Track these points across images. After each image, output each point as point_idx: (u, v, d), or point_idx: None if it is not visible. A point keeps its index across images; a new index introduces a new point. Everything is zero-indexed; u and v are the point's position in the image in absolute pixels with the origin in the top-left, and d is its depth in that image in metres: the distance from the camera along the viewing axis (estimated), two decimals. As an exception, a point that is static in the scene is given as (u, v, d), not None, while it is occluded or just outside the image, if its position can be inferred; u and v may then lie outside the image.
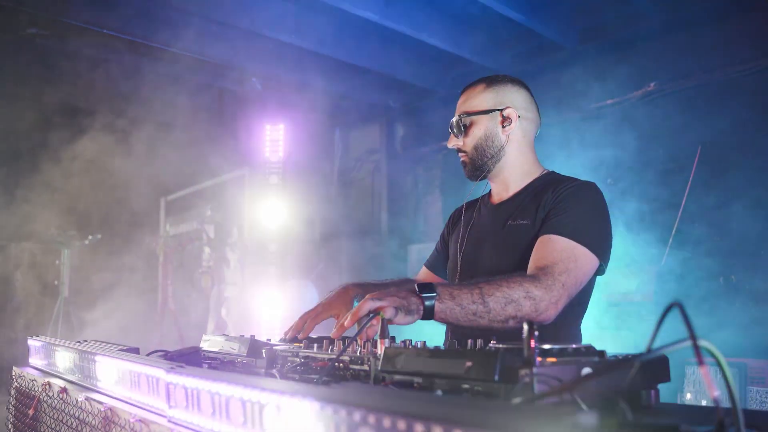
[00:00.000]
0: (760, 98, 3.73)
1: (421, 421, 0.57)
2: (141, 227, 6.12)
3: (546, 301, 1.45)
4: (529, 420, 0.54)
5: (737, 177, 3.71)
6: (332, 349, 1.26)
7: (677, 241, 3.78)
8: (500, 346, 0.98)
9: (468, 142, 1.79)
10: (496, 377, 0.84)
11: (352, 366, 1.15)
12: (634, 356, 0.89)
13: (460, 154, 1.83)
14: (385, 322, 1.25)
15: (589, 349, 0.96)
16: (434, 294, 1.37)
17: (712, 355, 0.62)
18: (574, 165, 3.99)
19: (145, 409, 1.12)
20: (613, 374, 0.89)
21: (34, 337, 1.91)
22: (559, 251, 1.54)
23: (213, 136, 5.58)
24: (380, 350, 1.11)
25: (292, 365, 1.26)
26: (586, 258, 1.56)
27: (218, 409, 0.89)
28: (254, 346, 1.42)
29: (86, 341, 1.69)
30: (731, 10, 3.86)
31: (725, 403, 0.68)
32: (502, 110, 1.76)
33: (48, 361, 1.75)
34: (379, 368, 1.05)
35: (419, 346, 1.13)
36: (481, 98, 1.78)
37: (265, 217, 5.08)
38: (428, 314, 1.37)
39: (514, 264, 1.65)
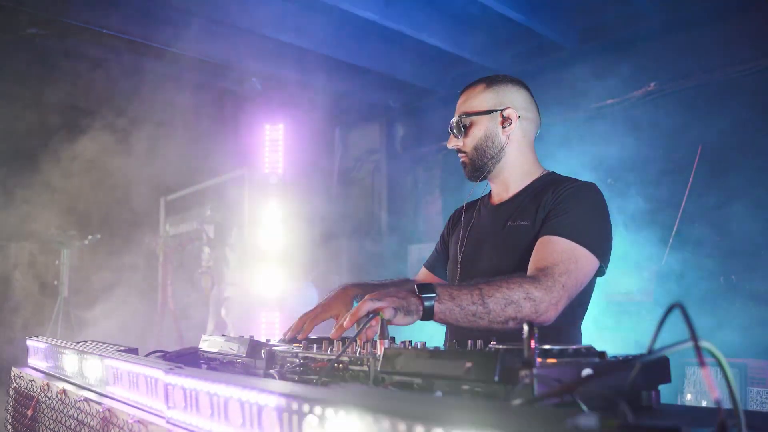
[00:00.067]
0: (761, 98, 3.73)
1: (421, 424, 0.56)
2: (141, 227, 6.11)
3: (546, 303, 1.45)
4: (530, 422, 0.54)
5: (738, 177, 3.71)
6: (331, 350, 1.26)
7: (677, 241, 3.77)
8: (500, 346, 0.98)
9: (468, 143, 1.78)
10: (496, 378, 0.84)
11: (351, 367, 1.14)
12: (635, 357, 0.89)
13: (459, 155, 1.82)
14: (385, 323, 1.25)
15: (590, 350, 0.96)
16: (434, 295, 1.36)
17: (714, 356, 0.62)
18: (574, 165, 3.98)
19: (143, 410, 1.12)
20: (614, 375, 0.89)
21: (33, 338, 1.91)
22: (560, 252, 1.54)
23: (213, 135, 5.58)
24: (380, 351, 1.10)
25: (292, 366, 1.26)
26: (587, 259, 1.56)
27: (216, 411, 0.88)
28: (253, 347, 1.42)
29: (85, 342, 1.69)
30: (732, 9, 3.85)
31: (725, 404, 0.67)
32: (502, 110, 1.76)
33: (47, 361, 1.74)
34: (378, 369, 1.05)
35: (419, 346, 1.13)
36: (481, 98, 1.78)
37: (265, 217, 5.07)
38: (428, 315, 1.36)
39: (514, 265, 1.65)
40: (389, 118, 6.21)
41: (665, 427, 0.58)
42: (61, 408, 1.44)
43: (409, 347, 1.12)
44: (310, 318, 1.59)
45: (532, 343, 0.85)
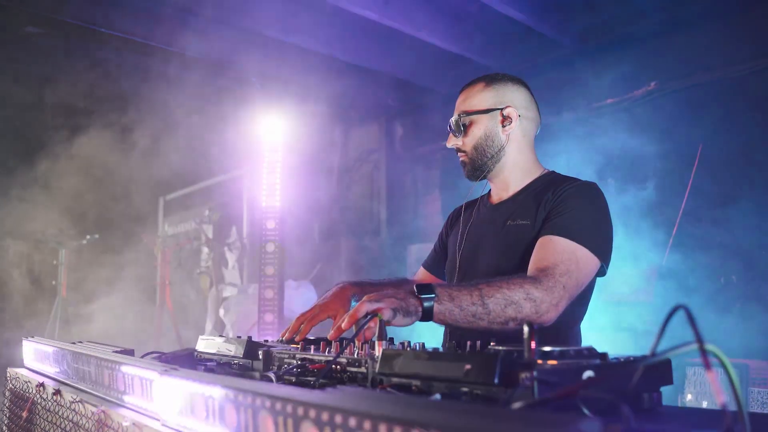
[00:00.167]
0: (762, 97, 3.72)
1: (419, 428, 0.55)
2: (139, 227, 6.10)
3: (547, 303, 1.43)
4: (531, 426, 0.53)
5: (738, 176, 3.70)
6: (329, 351, 1.24)
7: (678, 241, 3.76)
8: (500, 348, 0.97)
9: (467, 142, 1.77)
10: (496, 380, 0.82)
11: (349, 368, 1.13)
12: (637, 359, 0.88)
13: (459, 154, 1.81)
14: (383, 324, 1.23)
15: (591, 352, 0.95)
16: (433, 295, 1.35)
17: (719, 359, 0.60)
18: (574, 164, 3.97)
19: (138, 411, 1.11)
20: (616, 377, 0.87)
21: (29, 338, 1.89)
22: (560, 252, 1.53)
23: (211, 135, 5.56)
24: (378, 352, 1.09)
25: (289, 367, 1.24)
26: (587, 259, 1.55)
27: (212, 413, 0.87)
28: (251, 348, 1.40)
29: (81, 342, 1.68)
30: (733, 8, 3.84)
31: (730, 408, 0.66)
32: (502, 109, 1.74)
33: (42, 362, 1.73)
34: (376, 371, 1.04)
35: (417, 348, 1.12)
36: (480, 97, 1.76)
37: (263, 217, 5.06)
38: (427, 316, 1.35)
39: (514, 264, 1.64)
40: (389, 117, 6.20)
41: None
42: (56, 409, 1.43)
43: (408, 348, 1.10)
44: (308, 319, 1.57)
45: (533, 345, 0.83)
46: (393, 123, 6.22)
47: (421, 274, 2.07)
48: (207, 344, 1.59)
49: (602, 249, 1.59)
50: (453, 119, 1.78)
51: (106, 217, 5.73)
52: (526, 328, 0.84)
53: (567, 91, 4.44)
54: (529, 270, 1.54)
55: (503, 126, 1.75)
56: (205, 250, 5.76)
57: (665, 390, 0.97)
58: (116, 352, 1.39)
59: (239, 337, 1.49)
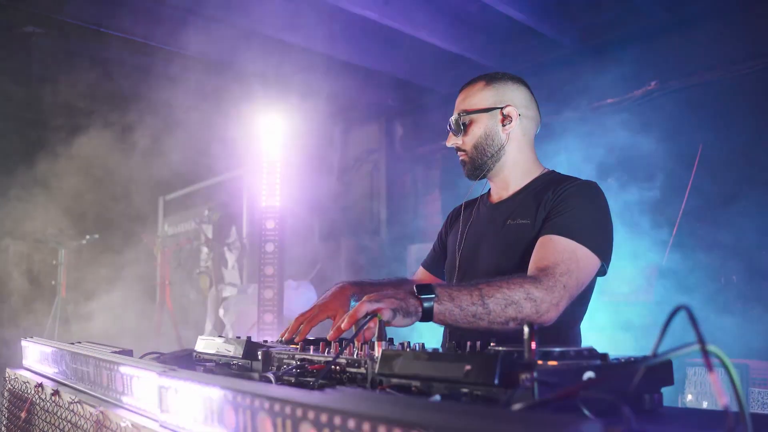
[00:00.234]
0: (762, 97, 3.71)
1: (419, 429, 0.55)
2: (139, 227, 6.09)
3: (547, 303, 1.43)
4: (531, 428, 0.52)
5: (739, 176, 3.69)
6: (329, 352, 1.24)
7: (678, 241, 3.76)
8: (500, 348, 0.96)
9: (467, 141, 1.76)
10: (496, 381, 0.82)
11: (348, 369, 1.13)
12: (638, 360, 0.87)
13: (459, 153, 1.80)
14: (383, 324, 1.23)
15: (591, 352, 0.94)
16: (433, 295, 1.34)
17: (721, 360, 0.60)
18: (574, 164, 3.97)
19: (136, 412, 1.10)
20: (616, 377, 0.87)
21: (28, 338, 1.88)
22: (560, 252, 1.52)
23: (211, 135, 5.55)
24: (377, 353, 1.09)
25: (288, 368, 1.24)
26: (588, 259, 1.54)
27: (210, 414, 0.86)
28: (250, 349, 1.40)
29: (79, 343, 1.67)
30: (733, 8, 3.84)
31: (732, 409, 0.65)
32: (502, 108, 1.73)
33: (41, 363, 1.72)
34: (376, 371, 1.03)
35: (417, 348, 1.11)
36: (480, 96, 1.75)
37: (263, 217, 5.05)
38: (427, 316, 1.34)
39: (514, 264, 1.63)
40: (389, 117, 6.19)
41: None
42: (55, 410, 1.42)
43: (408, 349, 1.10)
44: (307, 319, 1.56)
45: (533, 345, 0.83)
46: (393, 123, 6.22)
47: (420, 274, 2.06)
48: (206, 344, 1.58)
49: (603, 248, 1.58)
50: (453, 118, 1.77)
51: (106, 217, 5.72)
52: (526, 329, 0.83)
53: (567, 91, 4.43)
54: (530, 269, 1.54)
55: (503, 125, 1.74)
56: (205, 250, 5.75)
57: (665, 390, 0.97)
58: (114, 352, 1.38)
59: (238, 337, 1.49)
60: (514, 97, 1.75)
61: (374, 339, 1.21)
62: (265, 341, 1.50)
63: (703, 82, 3.95)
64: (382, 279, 1.91)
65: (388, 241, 5.95)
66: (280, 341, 1.56)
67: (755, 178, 3.63)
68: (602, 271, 1.62)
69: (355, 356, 1.13)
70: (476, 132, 1.74)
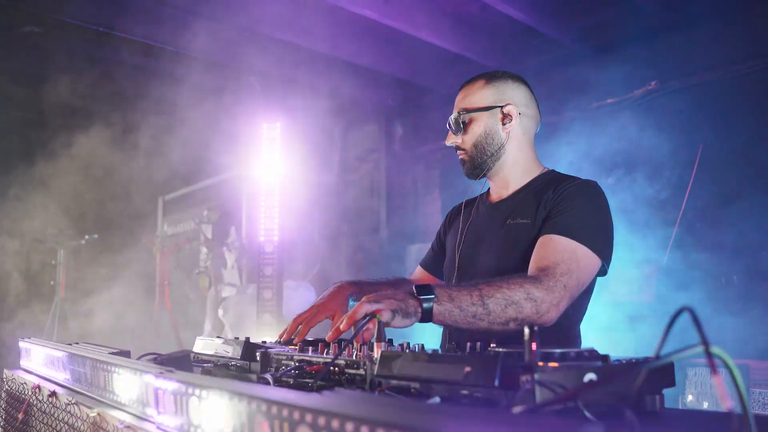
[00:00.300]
0: (763, 97, 3.71)
1: (418, 434, 0.54)
2: (138, 227, 6.09)
3: (547, 303, 1.42)
4: (533, 431, 0.51)
5: (739, 176, 3.68)
6: (327, 353, 1.23)
7: (678, 241, 3.75)
8: (500, 349, 0.95)
9: (467, 140, 1.75)
10: (497, 383, 0.81)
11: (347, 370, 1.12)
12: (640, 361, 0.86)
13: (458, 152, 1.79)
14: (382, 325, 1.22)
15: (592, 353, 0.93)
16: (432, 296, 1.33)
17: (724, 362, 0.59)
18: (574, 163, 3.96)
19: (133, 414, 1.09)
20: (618, 379, 0.86)
21: (26, 339, 1.87)
22: (561, 252, 1.51)
23: (210, 135, 5.55)
24: (377, 354, 1.08)
25: (287, 369, 1.23)
26: (588, 259, 1.53)
27: (207, 416, 0.86)
28: (248, 349, 1.39)
29: (77, 344, 1.66)
30: (733, 8, 3.83)
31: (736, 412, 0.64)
32: (502, 107, 1.72)
33: (38, 363, 1.71)
34: (375, 373, 1.02)
35: (417, 349, 1.10)
36: (480, 94, 1.74)
37: (262, 217, 5.05)
38: (426, 317, 1.33)
39: (514, 263, 1.62)
40: (389, 117, 6.18)
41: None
42: (52, 411, 1.41)
43: (407, 350, 1.09)
44: (305, 320, 1.56)
45: (534, 346, 0.82)
46: (393, 123, 6.21)
47: (418, 274, 2.05)
48: (204, 345, 1.57)
49: (603, 248, 1.57)
50: (452, 117, 1.76)
51: (105, 217, 5.71)
52: (526, 330, 0.82)
53: (567, 91, 4.43)
54: (530, 269, 1.53)
55: (503, 124, 1.73)
56: (204, 250, 5.74)
57: (666, 391, 0.96)
58: (112, 353, 1.37)
59: (237, 338, 1.48)
60: (514, 96, 1.74)
61: (373, 340, 1.20)
62: (264, 342, 1.49)
63: (704, 81, 3.94)
64: (381, 278, 1.90)
65: (388, 240, 5.94)
66: (279, 342, 1.55)
67: (756, 178, 3.63)
68: (603, 271, 1.61)
69: (354, 357, 1.12)
70: (476, 131, 1.73)
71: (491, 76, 1.76)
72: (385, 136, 6.21)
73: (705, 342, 0.56)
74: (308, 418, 0.65)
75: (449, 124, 1.77)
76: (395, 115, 6.16)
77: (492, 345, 1.03)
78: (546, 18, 4.34)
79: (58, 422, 1.36)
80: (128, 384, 1.12)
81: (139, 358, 1.45)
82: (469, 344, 1.14)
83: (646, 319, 3.59)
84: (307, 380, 1.16)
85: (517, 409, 0.72)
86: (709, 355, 0.57)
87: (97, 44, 4.72)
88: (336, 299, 1.66)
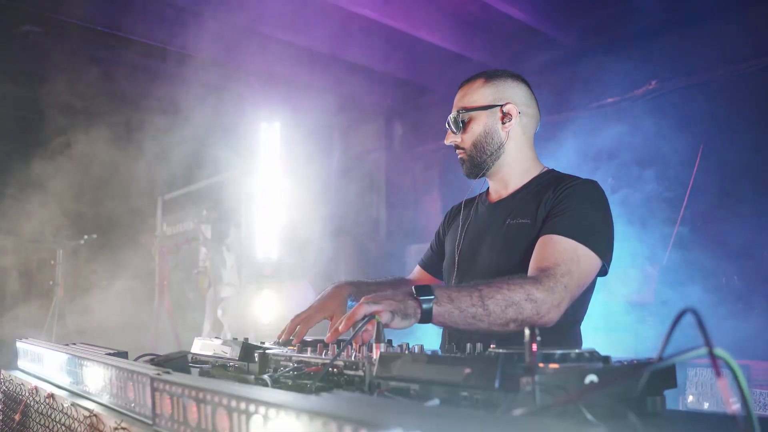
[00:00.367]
0: (763, 96, 3.70)
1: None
2: (137, 227, 6.07)
3: (548, 304, 1.41)
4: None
5: (740, 176, 3.68)
6: (326, 354, 1.22)
7: (679, 241, 3.74)
8: (500, 351, 0.94)
9: (466, 139, 1.74)
10: (497, 385, 0.80)
11: (346, 371, 1.11)
12: (642, 363, 0.85)
13: (458, 151, 1.78)
14: (381, 326, 1.21)
15: (593, 354, 0.92)
16: (432, 297, 1.32)
17: (728, 365, 0.58)
18: (574, 163, 3.95)
19: (130, 415, 1.08)
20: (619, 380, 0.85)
21: (23, 340, 1.86)
22: (561, 252, 1.50)
23: (210, 134, 5.53)
24: (376, 355, 1.07)
25: (285, 370, 1.22)
26: (589, 259, 1.52)
27: (204, 418, 0.85)
28: (247, 350, 1.38)
29: (74, 344, 1.65)
30: (733, 7, 3.82)
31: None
32: (501, 106, 1.71)
33: (36, 364, 1.70)
34: (374, 374, 1.01)
35: (416, 350, 1.09)
36: (480, 93, 1.73)
37: (262, 217, 5.04)
38: (426, 318, 1.33)
39: (514, 263, 1.61)
40: (389, 116, 6.17)
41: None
42: (49, 413, 1.40)
43: (406, 351, 1.08)
44: (304, 320, 1.55)
45: (534, 348, 0.81)
46: (393, 122, 6.20)
47: (417, 273, 2.04)
48: (203, 346, 1.57)
49: (603, 248, 1.56)
50: (452, 116, 1.75)
51: (104, 216, 5.70)
52: (527, 331, 0.82)
53: (567, 90, 4.42)
54: (530, 270, 1.52)
55: (503, 123, 1.72)
56: (203, 250, 5.73)
57: (666, 391, 0.95)
58: (109, 354, 1.36)
59: (235, 338, 1.47)
60: (514, 95, 1.73)
61: (372, 341, 1.19)
62: (263, 343, 1.48)
63: (704, 81, 3.93)
64: (380, 279, 1.89)
65: (388, 240, 5.93)
66: (277, 342, 1.54)
67: (757, 178, 3.62)
68: (603, 271, 1.60)
69: (353, 358, 1.11)
70: (475, 130, 1.72)
71: (491, 75, 1.75)
72: (385, 135, 6.20)
73: (709, 344, 0.55)
74: (306, 421, 0.65)
75: (448, 123, 1.76)
76: (395, 115, 6.15)
77: (492, 346, 1.02)
78: (546, 17, 4.33)
79: (54, 423, 1.35)
80: (126, 385, 1.11)
81: (136, 359, 1.44)
82: (468, 345, 1.13)
83: (646, 319, 3.58)
84: (305, 381, 1.15)
85: (517, 412, 0.71)
86: (714, 358, 0.56)
87: (96, 44, 4.71)
88: (335, 300, 1.65)
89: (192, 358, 1.57)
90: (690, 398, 3.13)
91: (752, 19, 3.81)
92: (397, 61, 5.10)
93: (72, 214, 5.31)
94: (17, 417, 1.57)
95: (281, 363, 1.29)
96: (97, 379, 1.24)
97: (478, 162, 1.74)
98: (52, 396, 1.40)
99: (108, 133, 5.07)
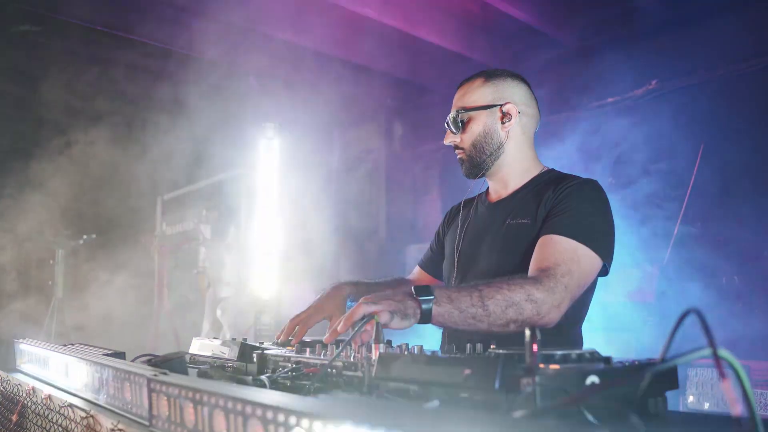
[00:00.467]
0: (763, 96, 3.69)
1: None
2: (137, 227, 6.06)
3: (548, 304, 1.40)
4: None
5: (740, 176, 3.67)
6: (325, 354, 1.21)
7: (679, 241, 3.73)
8: (501, 351, 0.93)
9: (466, 139, 1.73)
10: (497, 386, 0.79)
11: (345, 372, 1.10)
12: (644, 364, 0.85)
13: (457, 151, 1.77)
14: (380, 327, 1.20)
15: (594, 355, 0.91)
16: (431, 297, 1.32)
17: (732, 366, 0.57)
18: (574, 163, 3.95)
19: (127, 417, 1.07)
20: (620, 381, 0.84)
21: (21, 340, 1.86)
22: (561, 252, 1.49)
23: (209, 134, 5.52)
24: (375, 355, 1.06)
25: (284, 371, 1.21)
26: (589, 259, 1.52)
27: (201, 420, 0.84)
28: (245, 351, 1.37)
29: (72, 345, 1.64)
30: (734, 6, 3.81)
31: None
32: (501, 105, 1.71)
33: (33, 365, 1.70)
34: (373, 375, 1.01)
35: (415, 351, 1.08)
36: (479, 93, 1.72)
37: (261, 217, 5.02)
38: (425, 318, 1.32)
39: (514, 264, 1.60)
40: (388, 116, 6.16)
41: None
42: (46, 414, 1.39)
43: (406, 351, 1.07)
44: (302, 321, 1.54)
45: (535, 348, 0.80)
46: (392, 122, 6.19)
47: (417, 274, 2.04)
48: (201, 346, 1.56)
49: (604, 248, 1.56)
50: (451, 115, 1.74)
51: (104, 216, 5.69)
52: (527, 332, 0.81)
53: (567, 90, 4.41)
54: (530, 270, 1.51)
55: (502, 122, 1.71)
56: (203, 250, 5.72)
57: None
58: (107, 354, 1.36)
59: (234, 339, 1.46)
60: (514, 95, 1.72)
61: (371, 341, 1.18)
62: (261, 343, 1.48)
63: (704, 81, 3.93)
64: (379, 279, 1.89)
65: (388, 241, 5.92)
66: (276, 343, 1.53)
67: (757, 178, 3.61)
68: (604, 271, 1.60)
69: (352, 359, 1.10)
70: (475, 130, 1.72)
71: (490, 75, 1.74)
72: (385, 135, 6.19)
73: (713, 345, 0.55)
74: (304, 423, 0.64)
75: (447, 123, 1.75)
76: (395, 115, 6.14)
77: (492, 347, 1.01)
78: (547, 17, 4.33)
79: (51, 424, 1.34)
80: (123, 386, 1.10)
81: (134, 360, 1.43)
82: (468, 346, 1.12)
83: (646, 318, 3.58)
84: (304, 382, 1.14)
85: (517, 413, 0.71)
86: (717, 359, 0.55)
87: (95, 43, 4.70)
88: (333, 300, 1.64)
89: (190, 358, 1.57)
90: (690, 398, 3.12)
91: (752, 19, 3.80)
92: (397, 61, 5.09)
93: (71, 214, 5.30)
94: (14, 418, 1.56)
95: (280, 363, 1.28)
96: (95, 380, 1.23)
97: (478, 162, 1.73)
98: (49, 397, 1.39)
99: (108, 132, 5.07)
